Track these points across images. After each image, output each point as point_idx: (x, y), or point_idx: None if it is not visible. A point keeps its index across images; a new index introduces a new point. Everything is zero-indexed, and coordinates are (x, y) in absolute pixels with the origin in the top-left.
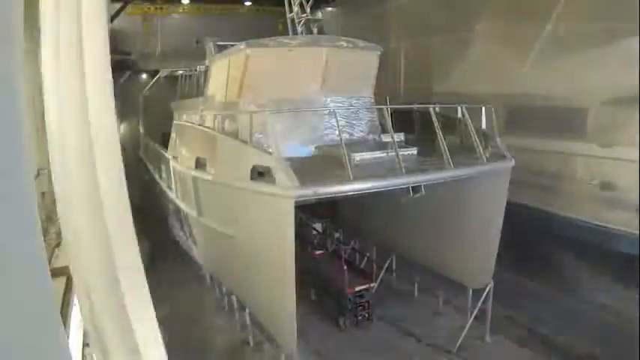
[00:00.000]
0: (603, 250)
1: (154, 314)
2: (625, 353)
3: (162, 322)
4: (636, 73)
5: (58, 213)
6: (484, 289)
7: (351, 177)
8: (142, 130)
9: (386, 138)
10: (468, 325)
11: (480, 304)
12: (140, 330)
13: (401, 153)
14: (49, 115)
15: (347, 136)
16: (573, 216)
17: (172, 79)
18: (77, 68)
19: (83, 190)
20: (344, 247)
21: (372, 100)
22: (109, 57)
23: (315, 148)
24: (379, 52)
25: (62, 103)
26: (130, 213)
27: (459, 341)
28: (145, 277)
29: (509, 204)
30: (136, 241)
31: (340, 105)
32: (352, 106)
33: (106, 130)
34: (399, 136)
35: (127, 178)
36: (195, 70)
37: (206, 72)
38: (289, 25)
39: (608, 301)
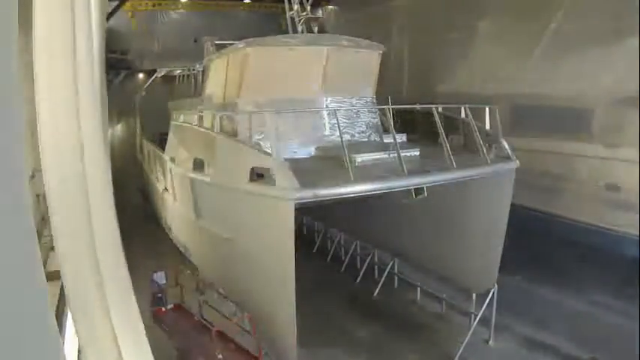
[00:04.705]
0: (607, 252)
1: (139, 319)
2: (626, 355)
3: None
4: None
5: (50, 216)
6: (488, 293)
7: (352, 178)
8: (138, 130)
9: (387, 139)
10: (471, 330)
11: (483, 309)
12: (124, 335)
13: (403, 154)
14: (41, 117)
15: (348, 136)
16: (578, 218)
17: (170, 78)
18: (71, 69)
19: (71, 193)
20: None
21: (374, 100)
22: (104, 57)
23: (316, 149)
24: (381, 51)
25: (54, 106)
26: (115, 219)
27: (463, 346)
28: (130, 282)
29: (513, 206)
30: (120, 246)
31: (341, 105)
32: (353, 106)
33: (95, 133)
34: (401, 137)
35: (125, 179)
36: (194, 70)
37: (204, 71)
38: (289, 24)
39: (611, 303)
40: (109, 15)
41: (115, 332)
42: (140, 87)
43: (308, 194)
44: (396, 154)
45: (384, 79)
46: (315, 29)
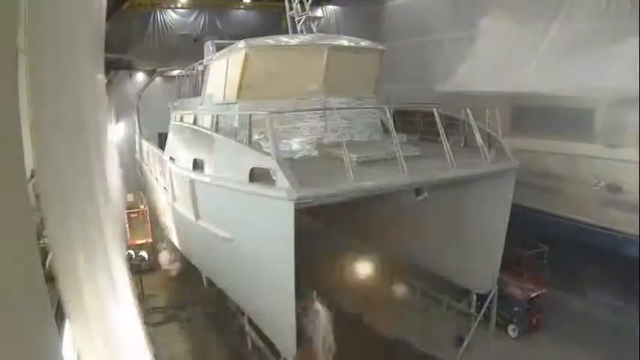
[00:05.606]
0: (607, 253)
1: (139, 321)
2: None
3: None
4: None
5: (47, 216)
6: (489, 293)
7: (352, 179)
8: (138, 130)
9: (388, 139)
10: (472, 331)
11: (484, 309)
12: (124, 336)
13: (403, 154)
14: (39, 117)
15: (348, 137)
16: (578, 218)
17: (169, 78)
18: (70, 69)
19: (68, 196)
20: None
21: (374, 100)
22: (103, 56)
23: (316, 149)
24: (382, 51)
25: (53, 105)
26: (122, 217)
27: (463, 346)
28: (129, 282)
29: (514, 206)
30: (120, 248)
31: (341, 105)
32: (354, 106)
33: (95, 134)
34: (402, 137)
35: (124, 179)
36: (193, 70)
37: (204, 71)
38: (289, 24)
39: (611, 303)
40: (108, 14)
41: (113, 335)
42: (140, 87)
43: (308, 194)
44: (396, 154)
45: (384, 79)
46: (315, 29)
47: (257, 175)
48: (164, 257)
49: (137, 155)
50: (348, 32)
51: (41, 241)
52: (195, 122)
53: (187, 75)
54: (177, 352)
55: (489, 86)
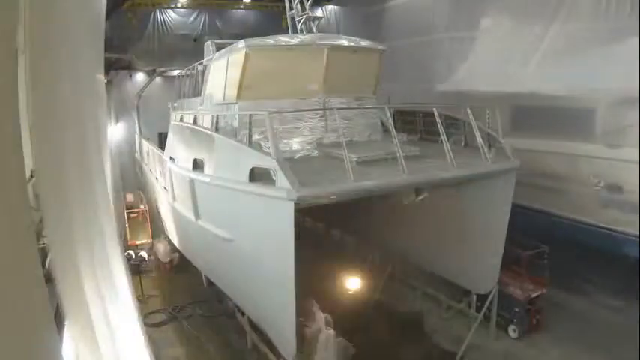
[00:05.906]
0: (607, 253)
1: (138, 321)
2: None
3: None
4: None
5: (47, 216)
6: (489, 293)
7: (352, 178)
8: (138, 130)
9: (388, 138)
10: (472, 331)
11: (484, 309)
12: (124, 337)
13: (403, 154)
14: (39, 117)
15: (348, 137)
16: (579, 218)
17: (169, 78)
18: (70, 69)
19: (69, 193)
20: None
21: (374, 100)
22: (103, 56)
23: (316, 149)
24: (382, 51)
25: (52, 105)
26: (113, 219)
27: (463, 347)
28: (128, 282)
29: (514, 206)
30: (119, 247)
31: (341, 105)
32: (354, 106)
33: (99, 133)
34: (402, 137)
35: (124, 179)
36: (193, 70)
37: (204, 71)
38: (289, 24)
39: (611, 303)
40: (108, 14)
41: (113, 335)
42: (140, 87)
43: (308, 194)
44: (396, 154)
45: (384, 79)
46: (315, 29)
47: (257, 175)
48: (162, 250)
49: (137, 155)
50: (348, 32)
51: (41, 241)
52: (195, 122)
53: (187, 75)
54: (177, 352)
55: (489, 86)
